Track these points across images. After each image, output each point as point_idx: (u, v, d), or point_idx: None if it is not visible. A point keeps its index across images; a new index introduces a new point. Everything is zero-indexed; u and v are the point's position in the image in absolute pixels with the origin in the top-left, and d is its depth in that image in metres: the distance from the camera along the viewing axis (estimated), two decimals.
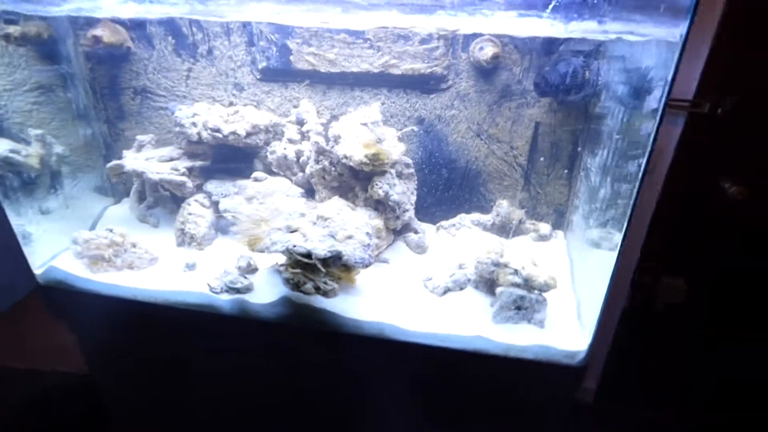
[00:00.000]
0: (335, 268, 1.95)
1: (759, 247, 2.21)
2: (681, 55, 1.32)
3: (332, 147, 2.24)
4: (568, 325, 2.01)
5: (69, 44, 2.43)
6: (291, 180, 2.51)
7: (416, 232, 2.42)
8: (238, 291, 2.05)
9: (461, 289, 2.12)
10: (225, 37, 2.43)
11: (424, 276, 2.21)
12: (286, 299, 2.01)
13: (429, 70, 2.31)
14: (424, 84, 2.38)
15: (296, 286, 1.98)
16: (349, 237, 1.91)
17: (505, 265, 1.91)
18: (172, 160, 2.47)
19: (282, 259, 2.10)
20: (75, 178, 2.54)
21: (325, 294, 2.01)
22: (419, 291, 2.17)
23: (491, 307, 2.03)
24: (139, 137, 2.57)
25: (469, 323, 1.97)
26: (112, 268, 2.24)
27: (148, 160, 2.44)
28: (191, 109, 2.37)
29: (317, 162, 2.33)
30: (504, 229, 2.54)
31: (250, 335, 2.11)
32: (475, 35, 2.23)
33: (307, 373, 2.22)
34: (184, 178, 2.38)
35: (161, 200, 2.65)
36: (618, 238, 1.74)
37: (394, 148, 2.25)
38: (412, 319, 1.98)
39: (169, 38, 2.46)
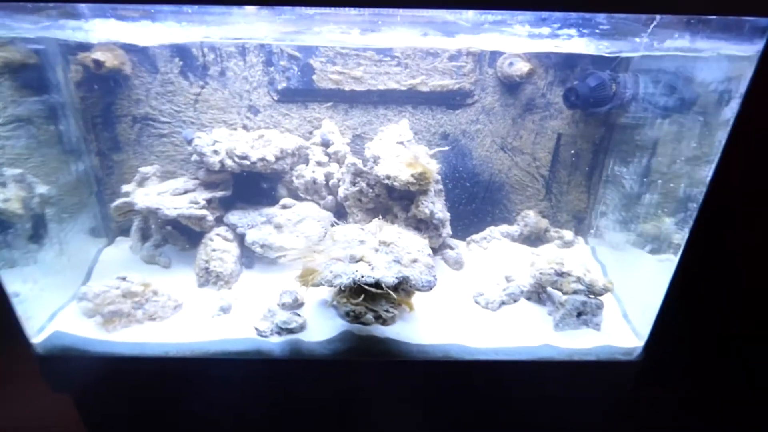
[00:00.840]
0: (399, 293, 1.87)
1: None
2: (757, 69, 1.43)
3: (371, 168, 2.17)
4: (617, 324, 2.09)
5: (57, 71, 2.15)
6: (319, 204, 2.39)
7: (452, 248, 2.40)
8: (290, 331, 1.90)
9: (515, 301, 2.13)
10: (240, 57, 2.28)
11: (474, 292, 2.19)
12: (346, 333, 1.90)
13: (457, 86, 2.33)
14: (449, 100, 2.39)
15: (356, 318, 1.87)
16: (414, 261, 1.85)
17: (568, 274, 1.94)
18: (187, 192, 2.26)
19: (330, 290, 1.99)
20: (65, 220, 2.23)
21: (385, 322, 1.92)
22: (472, 307, 2.15)
23: (549, 316, 2.06)
24: (142, 169, 2.33)
25: (532, 334, 1.98)
26: (132, 323, 1.98)
27: (161, 194, 2.22)
28: (211, 135, 2.18)
29: (353, 184, 2.24)
30: (530, 239, 2.59)
31: (304, 378, 1.96)
32: (500, 51, 2.28)
33: (371, 406, 2.10)
34: (204, 212, 2.19)
35: (171, 237, 2.41)
36: (675, 237, 1.84)
37: (430, 166, 2.22)
38: (474, 336, 1.95)
39: (176, 60, 2.27)
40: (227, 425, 2.11)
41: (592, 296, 1.98)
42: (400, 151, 2.17)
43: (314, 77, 2.31)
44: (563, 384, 2.02)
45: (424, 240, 1.99)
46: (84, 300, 1.96)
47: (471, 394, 2.03)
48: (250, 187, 2.38)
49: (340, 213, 2.41)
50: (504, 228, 2.56)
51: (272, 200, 2.39)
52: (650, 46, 1.79)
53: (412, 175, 2.05)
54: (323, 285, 1.82)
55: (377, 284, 1.78)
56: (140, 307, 1.99)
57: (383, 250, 1.85)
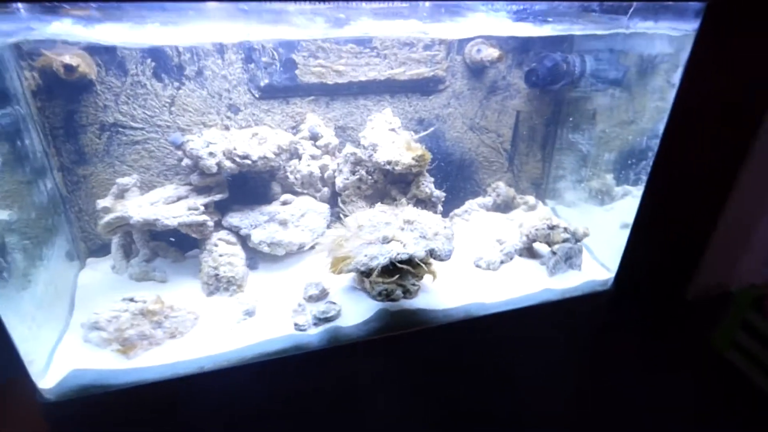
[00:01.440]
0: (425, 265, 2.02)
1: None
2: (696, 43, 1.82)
3: (370, 156, 2.26)
4: (590, 264, 2.48)
5: (9, 79, 1.89)
6: (315, 197, 2.42)
7: None
8: (328, 320, 1.95)
9: (511, 259, 2.40)
10: (218, 56, 2.21)
11: (473, 257, 2.41)
12: (380, 312, 2.00)
13: (432, 73, 2.51)
14: (424, 87, 2.56)
15: (388, 296, 1.99)
16: (436, 234, 2.01)
17: (557, 226, 2.25)
18: (180, 199, 2.15)
19: (352, 275, 2.07)
20: (45, 245, 1.99)
21: (411, 295, 2.06)
22: (475, 271, 2.37)
23: (542, 265, 2.37)
24: (120, 180, 2.15)
25: (531, 282, 2.27)
26: (152, 345, 1.87)
27: (154, 204, 2.08)
28: (203, 137, 2.10)
29: (353, 173, 2.31)
30: (501, 207, 2.89)
31: (349, 361, 2.02)
32: (468, 39, 2.51)
33: (417, 374, 2.20)
34: (205, 217, 2.11)
35: (160, 250, 2.27)
36: (616, 190, 2.26)
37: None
38: (486, 294, 2.18)
39: (148, 61, 2.12)
40: (281, 427, 2.09)
41: (575, 242, 2.31)
42: (395, 137, 2.30)
43: (297, 72, 2.32)
44: (560, 318, 2.35)
45: (436, 215, 2.15)
46: (95, 329, 1.80)
47: (491, 342, 2.25)
48: (242, 187, 2.33)
49: (334, 203, 2.46)
50: (480, 200, 2.82)
51: (266, 198, 2.37)
52: (603, 26, 2.14)
53: (413, 158, 2.20)
54: (359, 269, 1.90)
55: (409, 260, 1.91)
56: (159, 326, 1.88)
57: (408, 228, 1.98)
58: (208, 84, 2.25)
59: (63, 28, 1.64)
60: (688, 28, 1.89)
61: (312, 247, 2.34)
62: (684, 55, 1.93)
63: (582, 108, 2.61)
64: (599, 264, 2.49)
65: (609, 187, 2.90)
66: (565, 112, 2.75)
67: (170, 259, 2.28)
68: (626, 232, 2.34)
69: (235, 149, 2.06)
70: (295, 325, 1.92)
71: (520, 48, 2.59)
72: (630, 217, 2.32)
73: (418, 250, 1.91)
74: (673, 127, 2.07)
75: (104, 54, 2.05)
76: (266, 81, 2.29)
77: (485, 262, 2.36)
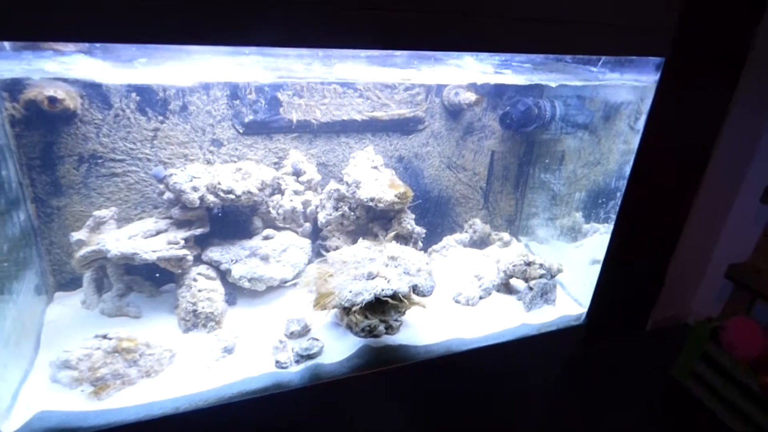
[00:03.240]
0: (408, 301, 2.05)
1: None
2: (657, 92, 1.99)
3: (353, 192, 2.31)
4: (563, 298, 2.56)
5: None
6: (297, 232, 2.43)
7: None
8: (310, 357, 1.94)
9: (489, 294, 2.45)
10: (203, 92, 2.24)
11: (451, 293, 2.46)
12: (362, 348, 2.00)
13: (412, 114, 2.61)
14: (404, 126, 2.66)
15: (371, 332, 1.99)
16: (419, 270, 2.05)
17: (533, 263, 2.33)
18: (159, 233, 2.12)
19: (335, 311, 2.07)
20: (15, 279, 1.91)
21: (393, 331, 2.07)
22: (454, 306, 2.41)
23: (519, 301, 2.43)
24: (97, 213, 2.11)
25: (509, 318, 2.32)
26: (127, 385, 1.80)
27: (132, 238, 2.04)
28: (186, 171, 2.10)
29: (336, 209, 2.35)
30: (477, 243, 2.97)
31: (331, 400, 1.99)
32: (446, 84, 2.64)
33: (399, 410, 2.18)
34: (185, 252, 2.08)
35: (135, 284, 2.21)
36: (585, 227, 2.38)
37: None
38: (465, 329, 2.22)
39: (132, 95, 2.13)
40: None
41: (550, 278, 2.39)
42: (377, 174, 2.36)
43: (281, 110, 2.37)
44: (536, 352, 2.39)
45: (417, 251, 2.19)
46: (67, 368, 1.72)
47: (471, 377, 2.27)
48: (223, 222, 2.32)
49: (315, 238, 2.48)
50: (457, 236, 2.89)
51: (247, 233, 2.36)
52: (575, 77, 2.30)
53: (396, 195, 2.25)
54: (343, 305, 1.90)
55: (393, 295, 1.93)
56: (134, 364, 1.81)
57: (392, 264, 2.01)
58: (192, 119, 2.26)
59: (49, 66, 1.65)
60: (650, 79, 2.06)
61: (293, 283, 2.33)
62: (646, 103, 2.09)
63: (552, 149, 2.76)
64: (572, 299, 2.58)
65: (579, 225, 3.04)
66: (536, 152, 2.90)
67: (145, 294, 2.22)
68: (596, 268, 2.45)
69: (219, 184, 2.06)
70: (276, 362, 1.89)
71: (494, 92, 2.74)
72: (599, 253, 2.43)
73: (402, 286, 1.93)
74: (638, 170, 2.21)
75: (89, 87, 2.05)
76: (250, 117, 2.33)
77: (464, 298, 2.40)
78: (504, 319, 2.30)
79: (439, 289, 2.48)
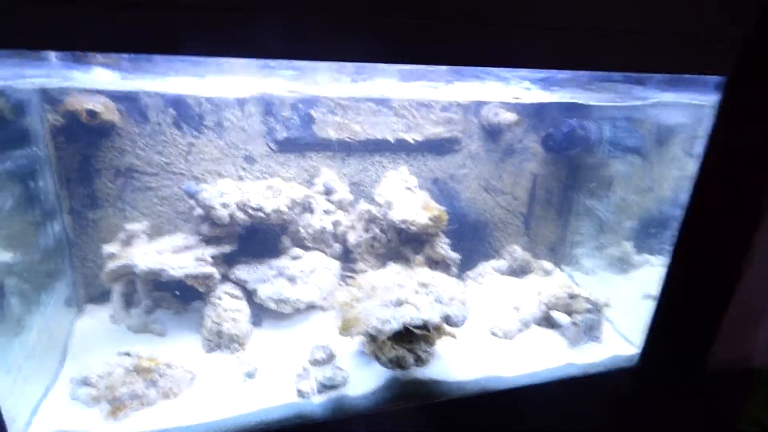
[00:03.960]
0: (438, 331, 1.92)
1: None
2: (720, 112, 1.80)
3: (385, 214, 2.22)
4: (611, 335, 2.34)
5: (32, 120, 1.90)
6: (326, 252, 2.36)
7: None
8: (333, 387, 1.82)
9: (528, 328, 2.28)
10: (238, 108, 2.23)
11: (488, 324, 2.29)
12: (390, 381, 1.87)
13: (448, 134, 2.51)
14: (440, 147, 2.56)
15: (399, 363, 1.86)
16: (451, 299, 1.91)
17: (578, 295, 2.15)
18: (188, 249, 2.09)
19: (361, 338, 1.96)
20: (44, 291, 1.91)
21: (423, 363, 1.93)
22: (490, 339, 2.25)
23: (561, 336, 2.24)
24: (129, 226, 2.11)
25: (551, 355, 2.13)
26: (145, 406, 1.74)
27: (161, 253, 2.02)
28: (217, 188, 2.08)
29: (366, 231, 2.26)
30: (517, 272, 2.80)
31: None
32: (483, 102, 2.53)
33: None
34: (212, 269, 2.04)
35: (163, 301, 2.18)
36: (635, 258, 2.18)
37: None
38: (503, 366, 2.05)
39: (170, 110, 2.14)
40: None
41: (597, 313, 2.20)
42: (410, 196, 2.26)
43: (314, 127, 2.33)
44: (582, 395, 2.18)
45: (450, 278, 2.06)
46: (86, 385, 1.68)
47: (508, 419, 2.08)
48: (251, 240, 2.27)
49: (345, 259, 2.39)
50: (494, 263, 2.74)
51: (275, 252, 2.31)
52: (623, 97, 2.15)
53: (429, 218, 2.15)
54: (370, 333, 1.79)
55: (423, 325, 1.81)
56: (154, 384, 1.75)
57: (422, 291, 1.89)
58: (226, 135, 2.26)
59: (91, 78, 1.67)
60: (709, 100, 1.89)
61: (320, 306, 2.24)
62: (704, 126, 1.91)
63: (599, 174, 2.59)
64: (621, 337, 2.35)
65: (628, 256, 2.82)
66: (582, 177, 2.73)
67: (172, 311, 2.19)
68: (649, 304, 2.23)
69: (249, 201, 2.02)
70: (298, 391, 1.79)
71: (536, 113, 2.61)
72: (652, 287, 2.22)
73: (432, 316, 1.81)
74: (696, 199, 2.01)
75: (127, 102, 2.08)
76: (284, 135, 2.30)
77: (501, 331, 2.24)
78: (545, 357, 2.11)
79: (473, 319, 2.33)
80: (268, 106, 2.26)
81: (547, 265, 2.82)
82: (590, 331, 2.18)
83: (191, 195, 2.07)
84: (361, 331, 1.79)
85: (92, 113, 1.88)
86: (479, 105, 2.54)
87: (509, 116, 2.42)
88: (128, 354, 1.78)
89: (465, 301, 1.96)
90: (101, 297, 2.29)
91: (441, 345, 2.02)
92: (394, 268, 2.05)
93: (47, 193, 2.01)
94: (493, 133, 2.60)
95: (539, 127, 2.64)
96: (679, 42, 1.64)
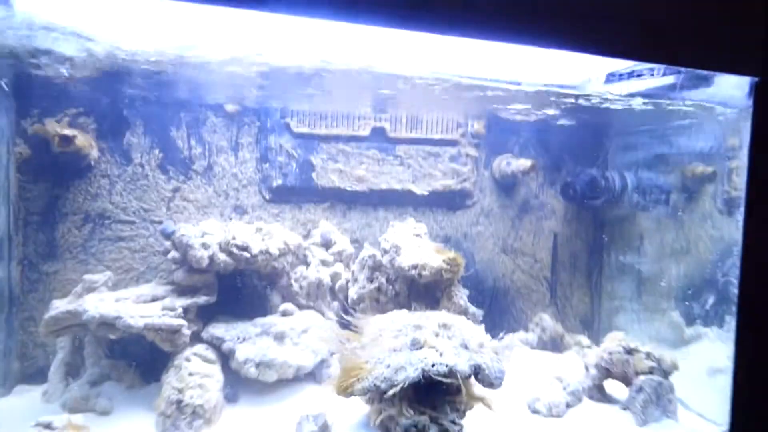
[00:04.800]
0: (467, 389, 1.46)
1: None
2: None
3: (392, 260, 1.90)
4: (684, 414, 1.83)
5: None
6: (323, 313, 1.97)
7: None
8: None
9: (579, 401, 1.79)
10: (231, 153, 2.07)
11: (526, 400, 1.81)
12: None
13: (459, 186, 2.31)
14: (450, 201, 2.34)
15: None
16: (481, 345, 1.50)
17: (637, 350, 1.72)
18: (155, 300, 1.72)
19: (365, 404, 1.50)
20: None
21: None
22: (532, 416, 1.75)
23: (624, 411, 1.74)
24: (88, 277, 1.77)
25: None
26: None
27: (119, 301, 1.65)
28: (198, 227, 1.80)
29: (370, 281, 1.91)
30: (549, 346, 2.35)
31: None
32: (495, 154, 2.39)
33: None
34: (181, 321, 1.65)
35: (115, 371, 1.73)
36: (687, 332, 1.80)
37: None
38: None
39: (156, 151, 1.97)
40: None
41: (664, 377, 1.74)
42: (420, 242, 1.97)
43: (313, 174, 2.14)
44: None
45: (476, 325, 1.66)
46: None
47: None
48: (233, 294, 1.91)
49: (345, 323, 1.99)
50: (522, 335, 2.31)
51: (262, 311, 1.92)
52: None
53: (444, 261, 1.83)
54: (378, 386, 1.34)
55: (449, 375, 1.37)
56: None
57: (444, 333, 1.49)
58: (216, 181, 2.05)
59: None
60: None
61: (313, 376, 1.79)
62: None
63: (629, 230, 2.32)
64: (696, 414, 1.85)
65: (678, 328, 2.40)
66: (610, 234, 2.46)
67: (125, 385, 1.72)
68: (717, 379, 1.80)
69: (233, 238, 1.72)
70: None
71: (551, 166, 2.45)
72: (715, 360, 1.81)
73: (460, 362, 1.38)
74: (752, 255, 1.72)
75: (110, 139, 1.91)
76: (279, 182, 2.10)
77: (545, 406, 1.75)
78: None
79: (508, 395, 1.86)
80: (264, 152, 2.10)
81: (584, 340, 2.39)
82: (660, 401, 1.70)
83: (167, 236, 1.78)
84: (365, 388, 1.35)
85: (66, 139, 1.69)
86: (489, 158, 2.39)
87: (523, 162, 2.25)
88: (48, 426, 1.31)
89: (497, 351, 1.54)
90: (38, 375, 1.82)
91: (473, 418, 1.54)
92: (404, 312, 1.66)
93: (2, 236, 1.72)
94: (506, 186, 2.41)
95: (555, 181, 2.46)
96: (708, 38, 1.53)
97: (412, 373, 1.33)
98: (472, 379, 1.46)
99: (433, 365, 1.35)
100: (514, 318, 2.44)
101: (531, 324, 2.39)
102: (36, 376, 1.82)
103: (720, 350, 1.98)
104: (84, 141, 1.78)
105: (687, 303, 2.42)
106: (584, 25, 1.32)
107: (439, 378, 1.35)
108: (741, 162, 1.81)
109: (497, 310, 2.42)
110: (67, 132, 1.71)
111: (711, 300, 2.43)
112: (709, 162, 2.07)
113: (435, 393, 1.44)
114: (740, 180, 1.96)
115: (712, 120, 1.98)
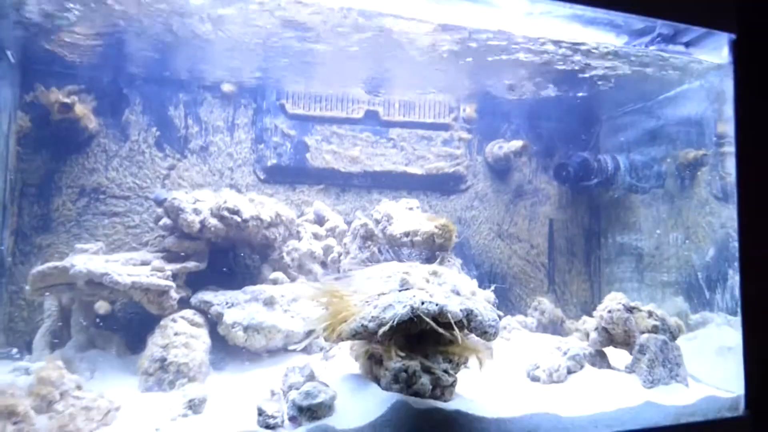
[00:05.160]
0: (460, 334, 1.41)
1: None
2: None
3: (384, 228, 1.89)
4: (698, 387, 1.74)
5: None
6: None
7: None
8: (313, 413, 1.25)
9: (580, 367, 1.71)
10: (227, 133, 2.11)
11: (527, 367, 1.74)
12: (398, 407, 1.29)
13: (452, 169, 2.33)
14: (444, 184, 2.36)
15: (409, 382, 1.32)
16: (473, 293, 1.47)
17: (638, 309, 1.67)
18: (144, 264, 1.71)
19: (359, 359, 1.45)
20: None
21: (443, 393, 1.38)
22: (532, 384, 1.67)
23: (629, 374, 1.66)
24: (80, 246, 1.76)
25: (621, 396, 1.54)
26: None
27: (109, 262, 1.64)
28: (190, 195, 1.81)
29: (362, 250, 1.89)
30: (548, 329, 2.28)
31: None
32: (488, 140, 2.42)
33: None
34: (169, 283, 1.62)
35: (101, 339, 1.69)
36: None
37: None
38: (563, 404, 1.46)
39: (153, 129, 2.02)
40: None
41: (671, 339, 1.68)
42: (412, 213, 1.97)
43: (308, 155, 2.18)
44: None
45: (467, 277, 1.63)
46: None
47: None
48: (224, 265, 1.89)
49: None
50: (520, 318, 2.25)
51: (253, 283, 1.89)
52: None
53: (436, 227, 1.82)
54: (366, 327, 1.30)
55: (440, 315, 1.33)
56: (50, 407, 1.20)
57: (434, 281, 1.46)
58: (212, 160, 2.09)
59: None
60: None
61: (303, 344, 1.73)
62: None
63: (625, 213, 2.31)
64: (711, 386, 1.76)
65: (683, 314, 2.34)
66: (606, 218, 2.44)
67: (112, 352, 1.67)
68: (727, 357, 1.74)
69: (225, 202, 1.73)
70: (261, 413, 1.21)
71: (544, 152, 2.48)
72: (724, 340, 1.77)
73: (450, 304, 1.35)
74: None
75: (109, 116, 1.97)
76: (274, 161, 2.13)
77: (545, 371, 1.67)
78: (615, 398, 1.52)
79: (506, 368, 1.80)
80: (260, 133, 2.14)
81: (588, 320, 2.31)
82: (668, 364, 1.62)
83: (160, 203, 1.79)
84: (353, 329, 1.31)
85: (66, 106, 1.75)
86: (482, 143, 2.42)
87: (514, 144, 2.28)
88: (26, 370, 1.27)
89: (493, 301, 1.51)
90: (27, 349, 1.78)
91: (467, 377, 1.48)
92: (395, 262, 1.64)
93: None
94: (500, 171, 2.43)
95: (548, 167, 2.48)
96: None
97: (400, 310, 1.29)
98: (466, 332, 1.41)
99: (422, 303, 1.31)
100: (513, 304, 2.39)
101: (529, 309, 2.34)
102: (19, 350, 1.78)
103: (728, 334, 1.92)
104: (82, 110, 1.83)
105: (690, 291, 2.37)
106: None
107: (429, 320, 1.30)
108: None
109: (496, 297, 2.36)
110: (67, 100, 1.76)
111: (713, 287, 2.38)
112: (699, 132, 2.08)
113: (426, 342, 1.39)
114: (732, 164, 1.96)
115: (696, 88, 2.02)
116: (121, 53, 1.80)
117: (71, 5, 1.43)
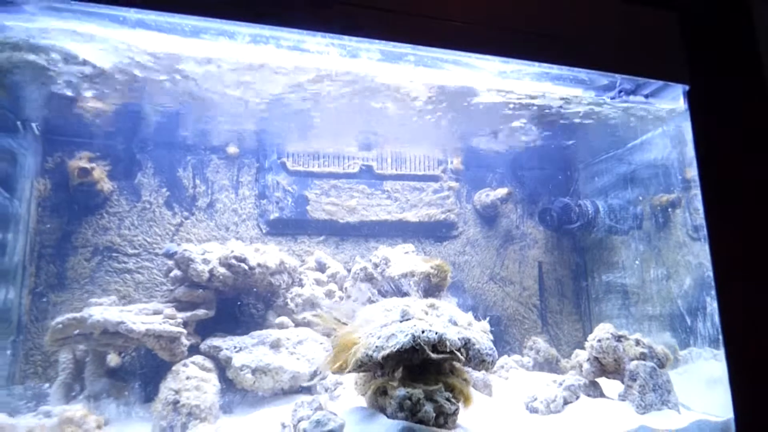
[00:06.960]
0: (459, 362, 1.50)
1: None
2: None
3: (382, 271, 2.01)
4: (690, 415, 1.80)
5: (23, 183, 1.91)
6: (316, 330, 2.01)
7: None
8: None
9: (576, 397, 1.78)
10: (232, 191, 2.28)
11: (525, 399, 1.80)
12: None
13: (443, 216, 2.49)
14: (437, 231, 2.50)
15: (412, 410, 1.40)
16: (470, 324, 1.57)
17: (626, 338, 1.76)
18: (156, 314, 1.79)
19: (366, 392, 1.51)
20: None
21: (446, 421, 1.44)
22: (531, 417, 1.73)
23: (623, 401, 1.73)
24: (94, 300, 1.86)
25: (615, 421, 1.60)
26: None
27: (123, 312, 1.73)
28: (199, 247, 1.93)
29: (362, 291, 2.00)
30: (544, 367, 2.33)
31: None
32: (476, 189, 2.61)
33: None
34: (180, 330, 1.71)
35: (113, 389, 1.74)
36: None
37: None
38: None
39: (163, 190, 2.18)
40: None
41: (659, 366, 1.77)
42: (408, 256, 2.10)
43: (308, 207, 2.33)
44: None
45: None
46: None
47: None
48: (231, 313, 1.98)
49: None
50: (517, 357, 2.32)
51: (259, 329, 1.97)
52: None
53: (432, 267, 1.95)
54: (371, 356, 1.39)
55: (439, 343, 1.42)
56: None
57: (432, 313, 1.57)
58: (218, 216, 2.23)
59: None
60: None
61: (309, 387, 1.79)
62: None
63: (608, 254, 2.46)
64: (702, 413, 1.82)
65: (672, 349, 2.43)
66: (590, 258, 2.58)
67: (121, 402, 1.71)
68: (716, 388, 1.83)
69: (232, 252, 1.86)
70: None
71: (528, 199, 2.66)
72: (712, 373, 1.87)
73: (449, 333, 1.45)
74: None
75: (122, 179, 2.13)
76: (276, 215, 2.28)
77: (543, 403, 1.74)
78: (611, 424, 1.59)
79: (506, 403, 1.86)
80: (262, 189, 2.31)
81: (582, 353, 2.38)
82: (658, 389, 1.70)
83: (170, 256, 1.91)
84: (359, 360, 1.40)
85: (85, 171, 1.91)
86: (470, 192, 2.60)
87: (500, 191, 2.47)
88: (47, 414, 1.33)
89: (485, 331, 1.61)
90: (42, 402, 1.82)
91: (469, 412, 1.55)
92: (394, 298, 1.74)
93: (13, 268, 1.84)
94: (489, 218, 2.59)
95: (533, 213, 2.65)
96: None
97: (402, 339, 1.38)
98: (465, 361, 1.50)
99: (423, 331, 1.41)
100: (510, 345, 2.46)
101: (525, 349, 2.41)
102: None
103: (716, 367, 2.01)
104: (99, 174, 1.99)
105: (673, 323, 2.48)
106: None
107: (429, 350, 1.40)
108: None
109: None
110: (87, 165, 1.93)
111: (698, 322, 2.50)
112: (665, 174, 2.28)
113: (427, 373, 1.48)
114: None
115: (659, 134, 2.24)
116: (135, 121, 1.99)
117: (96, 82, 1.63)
